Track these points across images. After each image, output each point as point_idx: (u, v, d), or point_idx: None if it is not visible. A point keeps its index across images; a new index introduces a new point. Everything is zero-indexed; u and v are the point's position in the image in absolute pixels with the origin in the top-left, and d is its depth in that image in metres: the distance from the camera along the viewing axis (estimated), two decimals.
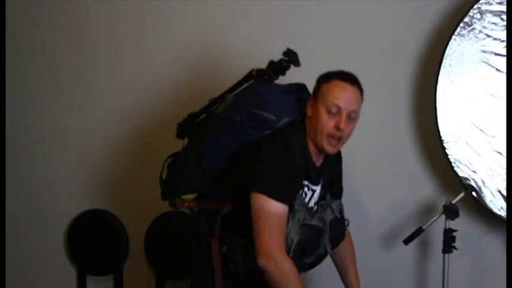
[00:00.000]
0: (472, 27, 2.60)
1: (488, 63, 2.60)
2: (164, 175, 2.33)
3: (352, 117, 2.11)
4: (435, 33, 2.78)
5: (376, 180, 2.91)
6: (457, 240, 2.53)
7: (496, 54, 2.59)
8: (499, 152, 2.61)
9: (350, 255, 2.43)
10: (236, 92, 2.28)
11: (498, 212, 2.62)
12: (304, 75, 2.99)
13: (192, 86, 3.10)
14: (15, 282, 3.45)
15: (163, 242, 3.14)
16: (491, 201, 2.63)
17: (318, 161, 2.19)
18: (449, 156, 2.66)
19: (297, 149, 2.09)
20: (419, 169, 2.84)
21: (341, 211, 2.28)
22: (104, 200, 3.31)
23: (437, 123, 2.66)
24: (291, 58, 2.22)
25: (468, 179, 2.64)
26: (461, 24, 2.60)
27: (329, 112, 2.07)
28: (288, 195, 2.06)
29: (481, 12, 2.59)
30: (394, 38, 2.84)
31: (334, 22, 2.92)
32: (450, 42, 2.62)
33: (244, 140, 2.13)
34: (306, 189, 2.16)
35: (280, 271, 1.99)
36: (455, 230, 2.53)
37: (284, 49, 2.22)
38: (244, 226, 2.06)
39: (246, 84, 2.28)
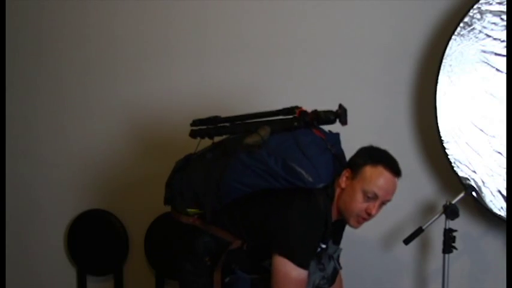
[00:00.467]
0: (472, 27, 2.60)
1: (488, 63, 2.60)
2: (172, 180, 2.30)
3: (385, 203, 2.13)
4: (435, 33, 2.77)
5: None
6: (457, 240, 2.53)
7: (496, 54, 2.59)
8: (499, 152, 2.61)
9: None
10: (270, 119, 2.22)
11: (498, 212, 2.62)
12: (304, 75, 3.01)
13: (192, 85, 3.10)
14: (15, 282, 3.45)
15: (163, 242, 3.14)
16: (491, 201, 2.63)
17: (333, 220, 2.19)
18: (449, 156, 2.66)
19: (324, 215, 2.08)
20: (419, 169, 2.84)
21: (338, 258, 2.30)
22: (104, 200, 3.31)
23: (437, 123, 2.66)
24: (340, 116, 2.15)
25: (468, 179, 2.64)
26: (461, 24, 2.60)
27: (365, 196, 2.08)
28: (310, 260, 2.07)
29: (481, 12, 2.59)
30: (394, 38, 2.84)
31: (334, 22, 2.92)
32: (450, 42, 2.62)
33: (272, 185, 2.09)
34: (318, 248, 2.17)
35: None
36: (455, 230, 2.53)
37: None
38: (251, 263, 2.09)
39: (282, 117, 2.22)
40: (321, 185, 2.08)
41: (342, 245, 2.36)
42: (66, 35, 3.31)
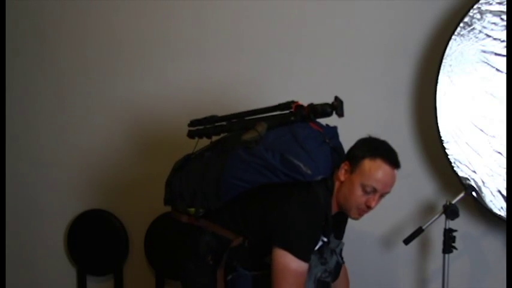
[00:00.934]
0: (472, 27, 2.60)
1: (488, 63, 2.60)
2: (171, 180, 2.30)
3: (384, 195, 2.13)
4: (435, 33, 2.77)
5: None
6: (457, 240, 2.53)
7: (496, 54, 2.59)
8: (499, 152, 2.61)
9: None
10: (267, 115, 2.23)
11: (498, 212, 2.62)
12: (304, 75, 3.00)
13: (192, 85, 3.10)
14: (15, 282, 3.45)
15: (163, 242, 3.14)
16: (491, 201, 2.63)
17: (333, 213, 2.19)
18: (449, 156, 2.66)
19: (323, 208, 2.08)
20: (419, 169, 2.84)
21: (341, 252, 2.29)
22: (104, 200, 3.31)
23: (437, 123, 2.66)
24: (336, 108, 2.15)
25: (468, 179, 2.64)
26: (461, 24, 2.60)
27: (364, 190, 2.08)
28: (310, 253, 2.07)
29: (481, 12, 2.59)
30: (394, 38, 2.84)
31: (334, 22, 2.92)
32: (450, 42, 2.62)
33: (271, 180, 2.09)
34: (320, 241, 2.16)
35: None
36: (455, 230, 2.53)
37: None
38: (252, 260, 2.09)
39: (279, 112, 2.22)
40: (319, 178, 2.07)
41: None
42: (66, 35, 3.31)
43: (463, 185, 2.63)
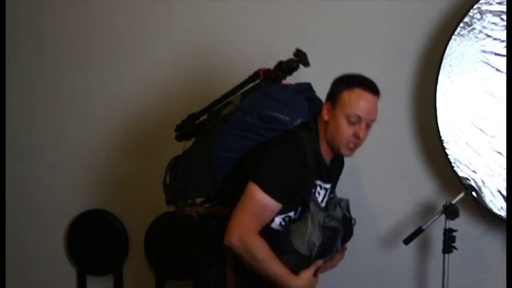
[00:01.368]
0: (472, 27, 2.60)
1: (488, 63, 2.60)
2: (168, 179, 2.31)
3: (370, 125, 2.13)
4: (435, 33, 2.78)
5: (376, 180, 2.91)
6: (457, 240, 2.53)
7: (496, 54, 2.59)
8: (499, 152, 2.61)
9: None
10: (241, 91, 2.27)
11: (498, 212, 2.62)
12: (304, 74, 3.00)
13: (193, 85, 3.10)
14: (15, 282, 3.45)
15: (163, 242, 3.14)
16: (491, 201, 2.63)
17: (328, 160, 2.20)
18: (449, 156, 2.66)
19: (309, 150, 2.08)
20: (419, 169, 2.84)
21: (348, 208, 2.26)
22: (104, 200, 3.31)
23: (437, 123, 2.66)
24: (301, 58, 2.21)
25: (468, 179, 2.64)
26: (461, 24, 2.60)
27: (349, 121, 2.08)
28: (282, 194, 2.05)
29: (481, 12, 2.59)
30: (394, 38, 2.84)
31: (334, 22, 2.92)
32: (450, 42, 2.62)
33: (255, 141, 2.12)
34: (318, 188, 2.16)
35: (248, 252, 2.01)
36: (455, 230, 2.53)
37: (293, 50, 2.21)
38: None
39: (251, 85, 2.27)
40: (298, 121, 2.11)
41: None
42: (66, 35, 3.31)
43: (463, 185, 2.63)
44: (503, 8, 2.56)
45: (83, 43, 3.29)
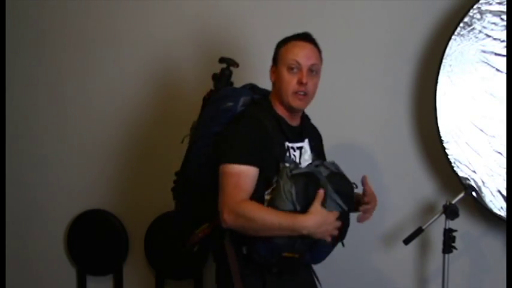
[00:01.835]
0: (472, 27, 2.60)
1: (488, 63, 2.60)
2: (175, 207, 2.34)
3: (314, 71, 2.15)
4: (435, 33, 2.78)
5: (376, 180, 2.90)
6: (457, 240, 2.53)
7: (496, 54, 2.59)
8: (499, 152, 2.61)
9: None
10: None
11: (498, 212, 2.62)
12: None
13: (194, 85, 3.10)
14: (15, 282, 3.45)
15: (163, 242, 3.14)
16: (491, 201, 2.63)
17: (293, 122, 2.21)
18: (449, 156, 2.66)
19: (263, 116, 2.12)
20: (419, 169, 2.84)
21: (338, 169, 2.18)
22: (104, 200, 3.31)
23: (437, 123, 2.66)
24: (228, 63, 2.33)
25: (468, 179, 2.64)
26: (461, 24, 2.60)
27: (290, 70, 2.13)
28: (249, 157, 2.05)
29: (481, 12, 2.59)
30: (394, 38, 2.84)
31: (334, 22, 2.92)
32: (450, 42, 2.62)
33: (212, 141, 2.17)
34: (291, 151, 2.16)
35: (240, 216, 1.99)
36: (455, 230, 2.53)
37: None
38: None
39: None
40: (241, 100, 2.16)
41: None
42: (66, 35, 3.31)
43: (463, 185, 2.63)
44: (503, 8, 2.56)
45: (83, 43, 3.29)
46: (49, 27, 3.34)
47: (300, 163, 2.17)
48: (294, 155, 2.17)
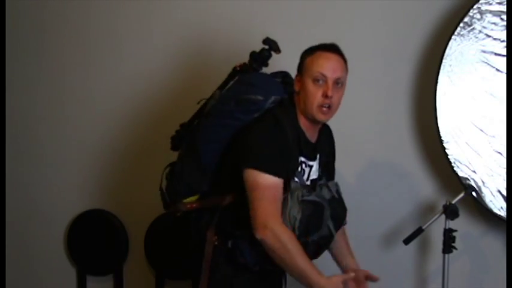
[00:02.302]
0: (472, 27, 2.60)
1: (488, 63, 2.60)
2: (164, 185, 2.33)
3: (339, 83, 2.13)
4: (435, 33, 2.78)
5: (376, 180, 2.91)
6: (457, 240, 2.53)
7: (496, 54, 2.59)
8: (499, 152, 2.61)
9: (344, 245, 2.38)
10: (223, 88, 2.29)
11: (498, 212, 2.62)
12: None
13: (194, 86, 3.09)
14: (15, 282, 3.45)
15: (163, 242, 3.14)
16: (491, 201, 2.63)
17: (312, 137, 2.20)
18: (449, 156, 2.66)
19: (288, 125, 2.11)
20: (419, 169, 2.84)
21: (338, 191, 2.25)
22: (104, 200, 3.31)
23: (437, 123, 2.66)
24: (271, 46, 2.27)
25: (468, 179, 2.64)
26: (461, 24, 2.60)
27: (315, 82, 2.10)
28: (280, 168, 2.06)
29: (481, 12, 2.59)
30: (394, 38, 2.84)
31: (334, 22, 2.92)
32: (450, 42, 2.62)
33: (235, 127, 2.15)
34: (303, 165, 2.17)
35: (279, 241, 1.99)
36: (455, 230, 2.53)
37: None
38: (246, 217, 2.06)
39: (232, 82, 2.29)
40: (272, 98, 2.14)
41: None
42: (66, 35, 3.32)
43: (463, 185, 2.63)
44: (503, 8, 2.56)
45: (83, 43, 3.29)
46: (49, 27, 3.34)
47: (307, 180, 2.19)
48: (304, 170, 2.18)
